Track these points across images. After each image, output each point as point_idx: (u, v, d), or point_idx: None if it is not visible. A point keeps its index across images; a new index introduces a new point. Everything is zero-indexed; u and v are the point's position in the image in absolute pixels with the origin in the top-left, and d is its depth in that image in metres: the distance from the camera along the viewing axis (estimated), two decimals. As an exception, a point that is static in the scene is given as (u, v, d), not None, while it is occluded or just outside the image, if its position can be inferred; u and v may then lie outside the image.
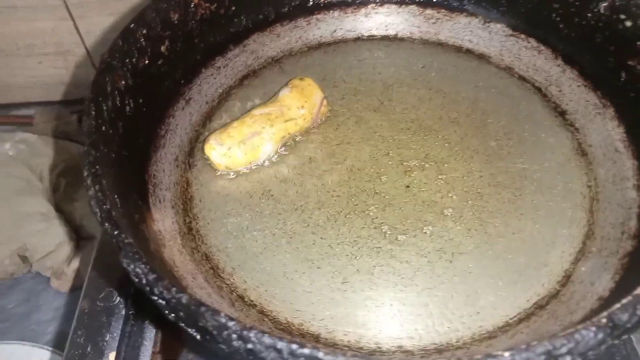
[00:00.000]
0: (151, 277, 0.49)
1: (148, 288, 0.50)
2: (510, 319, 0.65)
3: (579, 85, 0.86)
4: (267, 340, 0.44)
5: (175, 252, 0.70)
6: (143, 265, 0.50)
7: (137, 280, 0.50)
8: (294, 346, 0.44)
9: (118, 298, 0.78)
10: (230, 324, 0.46)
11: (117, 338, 0.74)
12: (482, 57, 0.94)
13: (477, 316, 0.65)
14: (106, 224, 0.54)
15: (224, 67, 0.92)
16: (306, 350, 0.43)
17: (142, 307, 0.76)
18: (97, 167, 0.59)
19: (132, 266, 0.50)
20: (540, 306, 0.66)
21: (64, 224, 1.35)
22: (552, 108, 0.86)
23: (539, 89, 0.89)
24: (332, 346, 0.63)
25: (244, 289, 0.69)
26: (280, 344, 0.44)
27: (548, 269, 0.69)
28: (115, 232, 0.53)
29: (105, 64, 0.72)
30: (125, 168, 0.72)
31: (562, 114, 0.85)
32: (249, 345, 0.45)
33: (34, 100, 1.59)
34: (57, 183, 1.45)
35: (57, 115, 1.59)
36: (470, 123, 0.85)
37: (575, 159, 0.80)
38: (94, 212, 0.56)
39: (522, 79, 0.90)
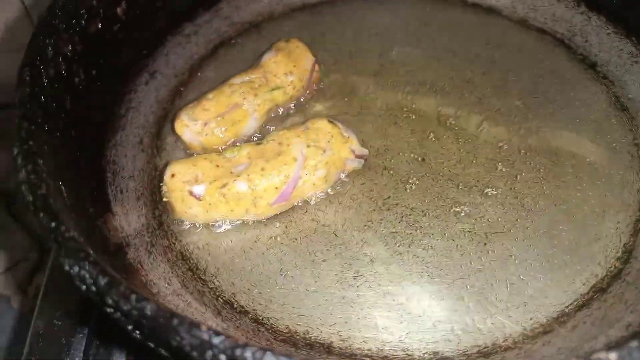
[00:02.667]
0: (102, 281, 0.35)
1: (99, 297, 0.36)
2: (567, 307, 0.53)
3: (608, 33, 0.74)
4: (270, 360, 0.31)
5: (142, 253, 0.56)
6: (90, 267, 0.36)
7: (83, 287, 0.37)
8: (310, 366, 0.31)
9: (79, 315, 0.64)
10: (216, 340, 0.32)
11: (80, 364, 0.60)
12: (491, 11, 0.82)
13: (525, 307, 0.53)
14: (40, 214, 0.40)
15: (193, 34, 0.78)
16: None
17: (109, 325, 0.62)
18: (30, 142, 0.45)
19: (75, 268, 0.36)
20: (600, 289, 0.53)
21: (24, 236, 1.20)
22: (579, 61, 0.74)
23: (561, 41, 0.77)
24: (350, 357, 0.50)
25: (232, 293, 0.55)
26: (290, 365, 0.31)
27: (602, 244, 0.57)
28: (52, 224, 0.39)
29: (45, 24, 0.58)
30: (76, 152, 0.58)
31: (592, 66, 0.73)
32: (245, 369, 0.31)
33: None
34: (17, 192, 1.29)
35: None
36: (488, 82, 0.72)
37: (615, 115, 0.68)
38: (26, 200, 0.42)
39: (540, 31, 0.78)
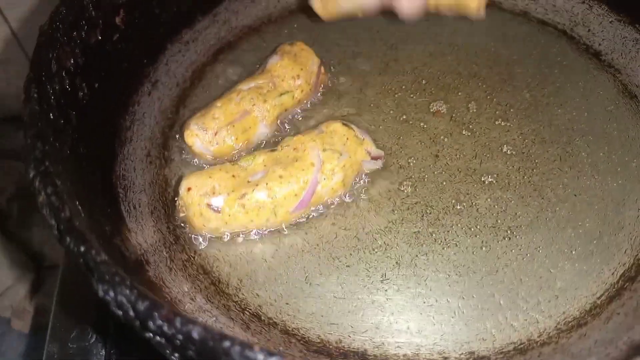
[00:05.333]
0: (142, 305, 0.34)
1: (139, 322, 0.34)
2: (598, 298, 0.52)
3: (611, 22, 0.74)
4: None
5: (163, 269, 0.54)
6: (128, 291, 0.34)
7: (121, 312, 0.35)
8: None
9: (94, 336, 0.62)
10: (271, 360, 0.31)
11: (99, 387, 0.59)
12: (492, 5, 0.81)
13: (556, 301, 0.52)
14: (67, 238, 0.38)
15: (192, 41, 0.76)
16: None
17: (128, 345, 0.60)
18: (46, 163, 0.43)
19: (111, 293, 0.35)
20: (629, 278, 0.53)
21: (20, 254, 1.17)
22: (583, 50, 0.74)
23: (563, 32, 0.77)
24: (386, 364, 0.49)
25: (258, 305, 0.54)
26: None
27: (626, 232, 0.57)
28: (82, 248, 0.37)
29: (46, 37, 0.56)
30: (87, 169, 0.56)
31: (596, 55, 0.73)
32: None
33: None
34: (9, 209, 1.26)
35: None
36: (495, 76, 0.72)
37: (624, 103, 0.68)
38: (49, 224, 0.40)
39: (542, 23, 0.78)
